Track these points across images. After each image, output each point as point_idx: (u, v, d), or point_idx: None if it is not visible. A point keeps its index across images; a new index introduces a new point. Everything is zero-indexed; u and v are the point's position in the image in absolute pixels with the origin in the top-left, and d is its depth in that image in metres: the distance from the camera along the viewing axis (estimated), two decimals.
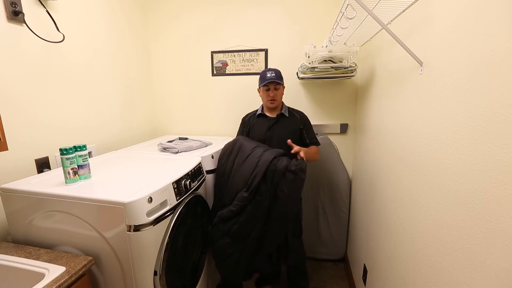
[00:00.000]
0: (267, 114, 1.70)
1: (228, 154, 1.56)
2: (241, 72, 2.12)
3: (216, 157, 1.63)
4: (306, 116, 1.74)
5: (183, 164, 1.34)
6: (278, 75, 1.61)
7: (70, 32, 1.43)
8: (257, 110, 1.76)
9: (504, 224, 0.56)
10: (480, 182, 0.63)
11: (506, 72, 0.56)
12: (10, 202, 1.07)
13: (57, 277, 0.82)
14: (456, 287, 0.71)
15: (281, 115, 1.68)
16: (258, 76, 1.69)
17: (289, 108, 1.74)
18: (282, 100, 1.72)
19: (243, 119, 1.81)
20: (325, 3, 1.92)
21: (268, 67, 1.96)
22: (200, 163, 1.44)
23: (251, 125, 1.74)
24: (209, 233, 1.49)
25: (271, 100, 1.62)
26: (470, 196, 0.66)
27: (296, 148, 1.47)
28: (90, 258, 0.93)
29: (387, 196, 1.27)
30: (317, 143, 1.72)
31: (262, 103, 1.75)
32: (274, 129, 1.65)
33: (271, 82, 1.59)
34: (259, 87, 1.68)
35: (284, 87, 1.69)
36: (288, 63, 1.99)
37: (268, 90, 1.62)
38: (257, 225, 1.41)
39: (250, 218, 1.39)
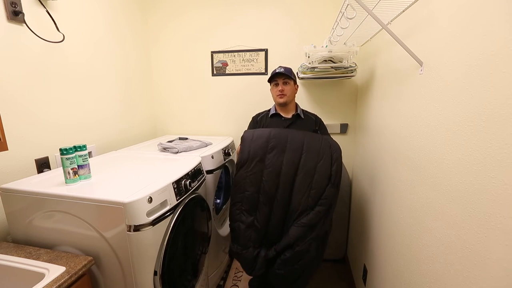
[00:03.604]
0: (282, 114, 1.64)
1: (281, 150, 1.39)
2: (241, 72, 2.12)
3: (216, 157, 1.62)
4: (320, 118, 1.70)
5: (183, 164, 1.34)
6: (287, 70, 1.56)
7: (70, 32, 1.43)
8: (269, 110, 1.70)
9: (504, 224, 0.56)
10: (480, 182, 0.63)
11: (506, 72, 0.56)
12: (10, 202, 1.06)
13: (57, 277, 0.82)
14: (456, 287, 0.71)
15: (297, 115, 1.62)
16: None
17: (303, 110, 1.70)
18: (296, 101, 1.68)
19: (254, 118, 1.73)
20: (325, 3, 1.92)
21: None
22: (200, 163, 1.44)
23: (263, 125, 1.67)
24: (298, 252, 1.29)
25: (280, 94, 1.56)
26: (470, 196, 0.66)
27: None
28: (90, 258, 0.93)
29: (387, 196, 1.27)
30: None
31: (268, 104, 1.69)
32: None
33: (279, 75, 1.55)
34: (270, 85, 1.63)
35: (297, 85, 1.64)
36: (288, 63, 1.97)
37: (277, 85, 1.57)
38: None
39: (334, 213, 1.31)
